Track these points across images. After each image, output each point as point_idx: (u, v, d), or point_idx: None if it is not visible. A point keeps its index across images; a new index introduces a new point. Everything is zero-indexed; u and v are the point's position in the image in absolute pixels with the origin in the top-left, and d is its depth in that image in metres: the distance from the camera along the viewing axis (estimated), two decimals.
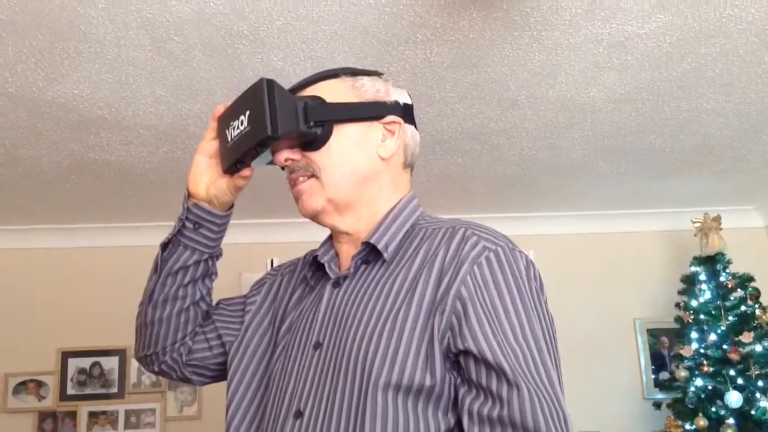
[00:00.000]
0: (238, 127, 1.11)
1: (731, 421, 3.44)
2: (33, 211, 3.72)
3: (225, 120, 1.15)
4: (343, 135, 1.12)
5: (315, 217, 1.15)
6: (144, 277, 1.27)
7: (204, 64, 2.34)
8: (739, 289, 3.72)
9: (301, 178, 1.13)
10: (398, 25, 2.17)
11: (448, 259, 1.03)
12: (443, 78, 2.52)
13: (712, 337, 3.65)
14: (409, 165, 1.20)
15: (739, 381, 3.52)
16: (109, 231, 4.03)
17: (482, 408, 0.95)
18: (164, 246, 1.21)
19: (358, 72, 1.19)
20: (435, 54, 2.35)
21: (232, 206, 1.23)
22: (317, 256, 1.18)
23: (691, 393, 3.57)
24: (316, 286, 1.18)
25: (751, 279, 3.74)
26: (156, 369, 1.29)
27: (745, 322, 3.63)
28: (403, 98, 1.20)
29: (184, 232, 1.20)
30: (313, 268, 1.20)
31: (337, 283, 1.12)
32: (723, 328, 3.65)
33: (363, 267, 1.11)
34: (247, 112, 1.09)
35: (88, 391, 3.89)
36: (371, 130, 1.15)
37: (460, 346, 0.97)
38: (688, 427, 3.54)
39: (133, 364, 3.91)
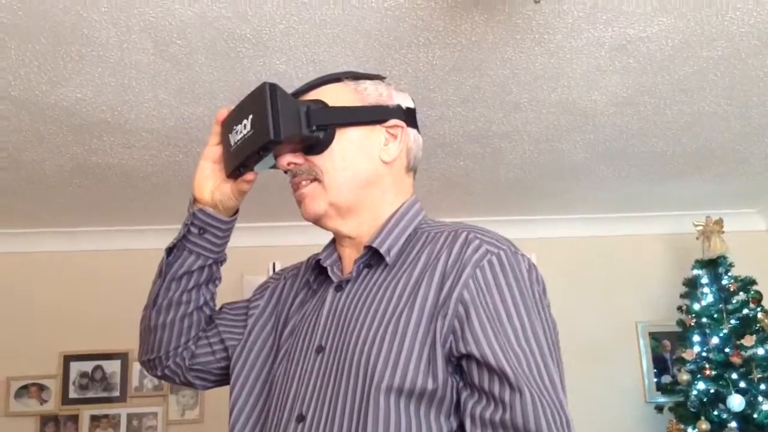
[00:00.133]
0: (241, 132, 1.11)
1: (733, 424, 3.43)
2: (36, 214, 3.73)
3: (228, 124, 1.16)
4: (346, 139, 1.12)
5: (317, 221, 1.15)
6: (147, 281, 1.27)
7: (206, 67, 2.34)
8: (741, 293, 3.72)
9: (303, 182, 1.14)
10: (400, 29, 2.18)
11: (450, 263, 1.03)
12: (445, 81, 2.52)
13: (715, 340, 3.64)
14: (411, 169, 1.20)
15: (742, 384, 3.51)
16: (112, 234, 4.04)
17: (484, 412, 0.95)
18: (169, 251, 1.22)
19: (361, 76, 1.19)
20: (437, 57, 2.35)
21: (236, 212, 1.23)
22: (320, 259, 1.19)
23: (693, 396, 3.57)
24: (318, 290, 1.18)
25: (753, 282, 3.73)
26: (159, 373, 1.29)
27: (747, 325, 3.63)
28: (406, 102, 1.20)
29: (189, 237, 1.20)
30: (316, 272, 1.21)
31: (339, 287, 1.12)
32: (725, 331, 3.64)
33: (365, 271, 1.11)
34: (250, 117, 1.10)
35: (90, 394, 3.89)
36: (374, 134, 1.15)
37: (463, 350, 0.97)
38: (690, 430, 3.53)
39: (135, 368, 3.91)
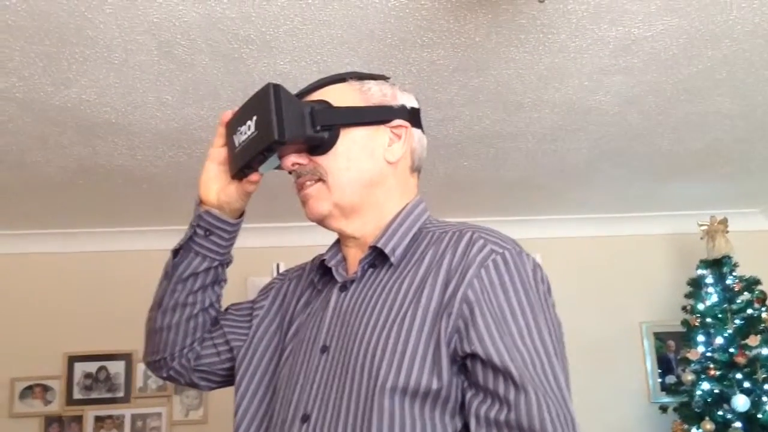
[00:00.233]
0: (245, 133, 1.11)
1: (738, 424, 3.42)
2: (40, 215, 3.74)
3: (233, 125, 1.16)
4: (350, 139, 1.12)
5: (322, 222, 1.15)
6: (151, 281, 1.28)
7: (211, 68, 2.35)
8: (745, 293, 3.72)
9: (308, 183, 1.13)
10: (404, 29, 2.17)
11: (455, 263, 1.03)
12: (449, 81, 2.52)
13: (719, 340, 3.64)
14: (416, 169, 1.20)
15: (746, 384, 3.51)
16: (116, 235, 4.04)
17: (489, 411, 0.94)
18: (175, 252, 1.22)
19: (365, 76, 1.19)
20: (441, 57, 2.35)
21: (242, 213, 1.24)
22: (325, 260, 1.19)
23: (697, 397, 3.57)
24: (323, 290, 1.18)
25: (757, 282, 3.73)
26: (164, 374, 1.29)
27: (751, 325, 3.63)
28: (410, 102, 1.20)
29: (195, 238, 1.20)
30: (321, 272, 1.20)
31: (344, 287, 1.12)
32: (729, 331, 3.64)
33: (370, 271, 1.11)
34: (255, 117, 1.10)
35: (94, 395, 3.90)
36: (378, 134, 1.15)
37: (467, 350, 0.97)
38: (694, 431, 3.53)
39: (140, 369, 3.92)
